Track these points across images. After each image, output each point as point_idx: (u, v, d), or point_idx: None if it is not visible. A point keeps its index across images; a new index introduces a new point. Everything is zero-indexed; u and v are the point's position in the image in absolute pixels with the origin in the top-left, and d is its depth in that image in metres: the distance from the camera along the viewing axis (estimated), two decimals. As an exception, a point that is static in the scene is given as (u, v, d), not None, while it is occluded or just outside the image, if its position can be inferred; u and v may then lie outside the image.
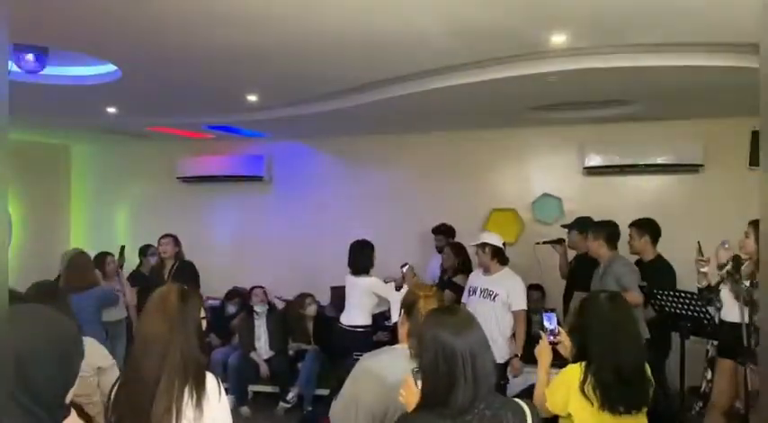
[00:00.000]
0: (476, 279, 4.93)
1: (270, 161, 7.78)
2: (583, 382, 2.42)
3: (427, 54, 4.10)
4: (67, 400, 1.43)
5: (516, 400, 1.97)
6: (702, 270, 4.03)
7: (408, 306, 2.67)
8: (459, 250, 5.89)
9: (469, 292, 4.91)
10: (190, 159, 7.83)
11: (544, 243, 5.79)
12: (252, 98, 5.31)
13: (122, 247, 5.83)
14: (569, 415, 2.44)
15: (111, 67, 4.54)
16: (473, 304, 4.71)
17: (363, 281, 5.13)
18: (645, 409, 2.51)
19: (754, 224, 3.73)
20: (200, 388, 1.96)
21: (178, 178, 7.91)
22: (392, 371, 2.48)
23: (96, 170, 8.51)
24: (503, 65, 4.27)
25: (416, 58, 4.22)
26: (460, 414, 1.78)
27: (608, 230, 4.71)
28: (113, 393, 1.99)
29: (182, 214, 7.78)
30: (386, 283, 5.18)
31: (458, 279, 5.69)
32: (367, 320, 5.21)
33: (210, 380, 2.02)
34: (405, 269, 5.04)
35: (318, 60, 4.24)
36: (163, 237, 5.97)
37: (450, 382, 1.80)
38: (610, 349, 2.43)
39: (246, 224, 7.81)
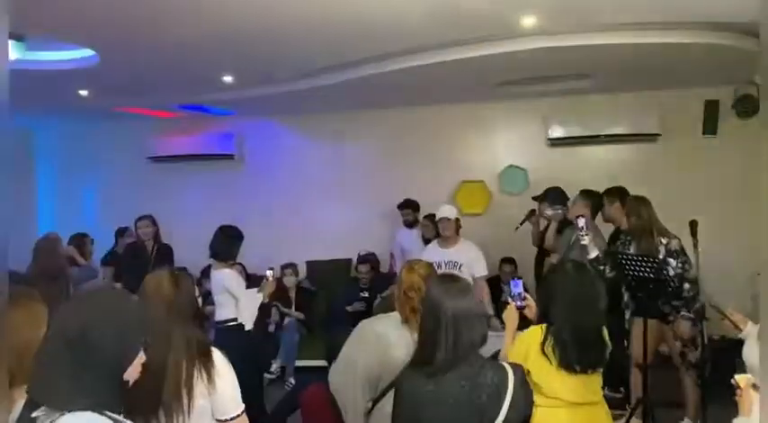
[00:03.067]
0: (436, 254, 4.90)
1: (240, 139, 7.82)
2: (543, 342, 2.59)
3: (402, 35, 4.25)
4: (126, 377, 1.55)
5: (501, 363, 2.16)
6: (583, 243, 4.32)
7: (398, 278, 2.92)
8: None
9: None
10: (160, 139, 7.81)
11: (522, 223, 5.90)
12: (227, 79, 5.39)
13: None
14: (528, 372, 2.59)
15: (86, 52, 4.56)
16: None
17: (216, 275, 4.63)
18: (600, 369, 2.69)
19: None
20: (208, 364, 2.07)
21: (148, 158, 7.90)
22: (386, 335, 2.70)
23: (63, 152, 8.38)
24: (475, 44, 4.46)
25: (390, 39, 4.36)
26: (442, 372, 2.00)
27: (596, 200, 4.95)
28: None
29: (154, 194, 7.74)
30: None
31: None
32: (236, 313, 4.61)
33: (217, 355, 2.12)
34: (269, 273, 4.80)
35: (295, 41, 4.35)
36: (140, 219, 5.89)
37: (433, 340, 2.02)
38: (570, 312, 2.59)
39: (219, 202, 7.81)
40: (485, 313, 2.15)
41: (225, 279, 4.59)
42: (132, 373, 1.57)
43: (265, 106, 6.99)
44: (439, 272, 4.74)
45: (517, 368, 2.13)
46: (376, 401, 2.62)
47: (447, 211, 4.98)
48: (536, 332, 2.66)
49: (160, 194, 7.79)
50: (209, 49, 4.46)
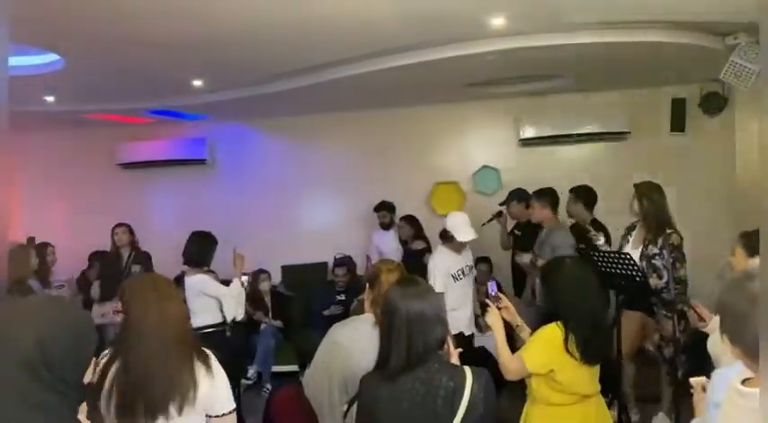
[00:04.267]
0: (453, 262, 4.64)
1: (212, 143, 7.73)
2: (566, 341, 2.64)
3: (372, 37, 4.25)
4: (86, 379, 1.55)
5: (462, 366, 2.10)
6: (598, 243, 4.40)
7: (372, 279, 2.89)
8: (413, 221, 6.29)
9: (457, 276, 4.60)
10: (129, 145, 7.67)
11: (489, 221, 5.87)
12: (197, 83, 5.34)
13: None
14: (550, 372, 2.65)
15: (52, 57, 4.48)
16: (465, 285, 4.66)
17: (191, 280, 4.61)
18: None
19: (637, 188, 4.46)
20: (205, 359, 2.17)
21: (119, 164, 7.77)
22: (359, 338, 2.68)
23: (29, 159, 8.20)
24: (444, 45, 4.47)
25: (361, 42, 4.36)
26: (397, 374, 1.99)
27: (552, 197, 5.03)
28: (112, 379, 2.10)
29: (124, 201, 7.64)
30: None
31: (416, 244, 6.14)
32: (215, 319, 4.61)
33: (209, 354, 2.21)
34: (244, 279, 4.82)
35: (264, 45, 4.33)
36: (117, 226, 5.88)
37: (389, 342, 2.03)
38: (585, 307, 2.66)
39: (191, 208, 7.72)
40: (442, 317, 2.12)
41: (200, 283, 4.57)
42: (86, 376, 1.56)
43: (237, 110, 6.92)
44: (462, 280, 4.61)
45: (480, 372, 2.07)
46: (351, 403, 2.60)
47: (467, 234, 4.52)
48: (554, 332, 2.70)
49: (131, 201, 7.69)
50: (177, 54, 4.40)
